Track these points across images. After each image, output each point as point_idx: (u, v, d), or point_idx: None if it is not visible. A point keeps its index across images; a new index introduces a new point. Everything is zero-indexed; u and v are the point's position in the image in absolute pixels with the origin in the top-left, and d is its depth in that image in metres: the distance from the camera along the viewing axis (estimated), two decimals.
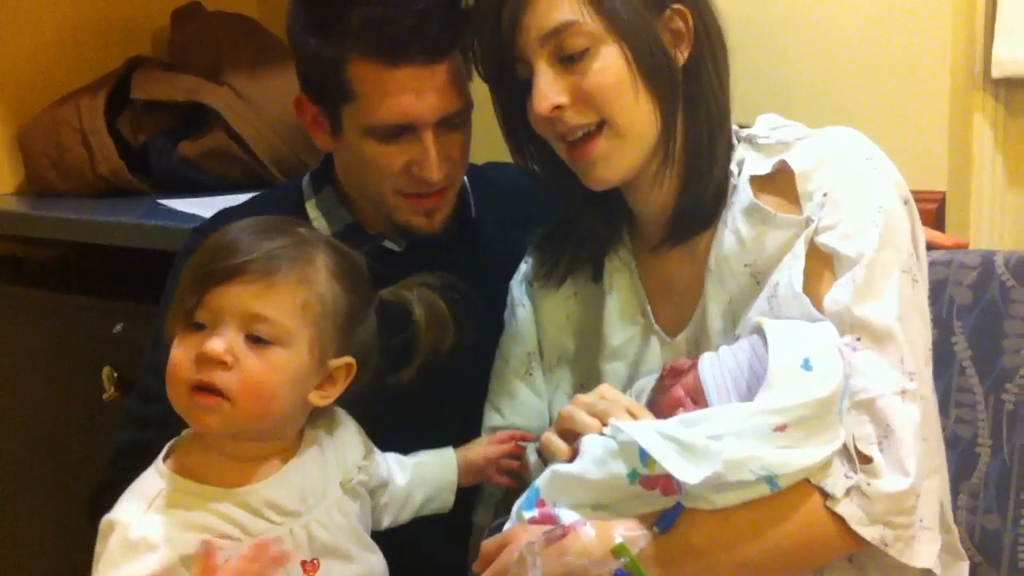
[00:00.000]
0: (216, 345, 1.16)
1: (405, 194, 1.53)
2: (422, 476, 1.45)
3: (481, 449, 1.49)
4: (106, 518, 1.18)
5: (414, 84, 1.44)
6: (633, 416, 1.28)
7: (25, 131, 2.38)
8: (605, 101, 1.32)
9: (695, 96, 1.37)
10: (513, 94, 1.38)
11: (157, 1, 2.53)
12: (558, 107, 1.32)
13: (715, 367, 1.27)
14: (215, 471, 1.22)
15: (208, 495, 1.19)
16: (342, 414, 1.36)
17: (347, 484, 1.31)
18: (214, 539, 1.17)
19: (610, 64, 1.31)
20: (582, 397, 1.35)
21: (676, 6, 1.34)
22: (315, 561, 1.24)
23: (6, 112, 2.41)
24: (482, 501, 1.55)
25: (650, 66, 1.32)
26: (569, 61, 1.31)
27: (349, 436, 1.35)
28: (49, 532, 2.27)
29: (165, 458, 1.24)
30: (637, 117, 1.33)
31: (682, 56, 1.36)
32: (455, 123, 1.50)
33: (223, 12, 2.49)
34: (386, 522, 1.41)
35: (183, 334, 1.20)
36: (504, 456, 1.48)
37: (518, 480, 1.46)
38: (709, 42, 1.37)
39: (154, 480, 1.21)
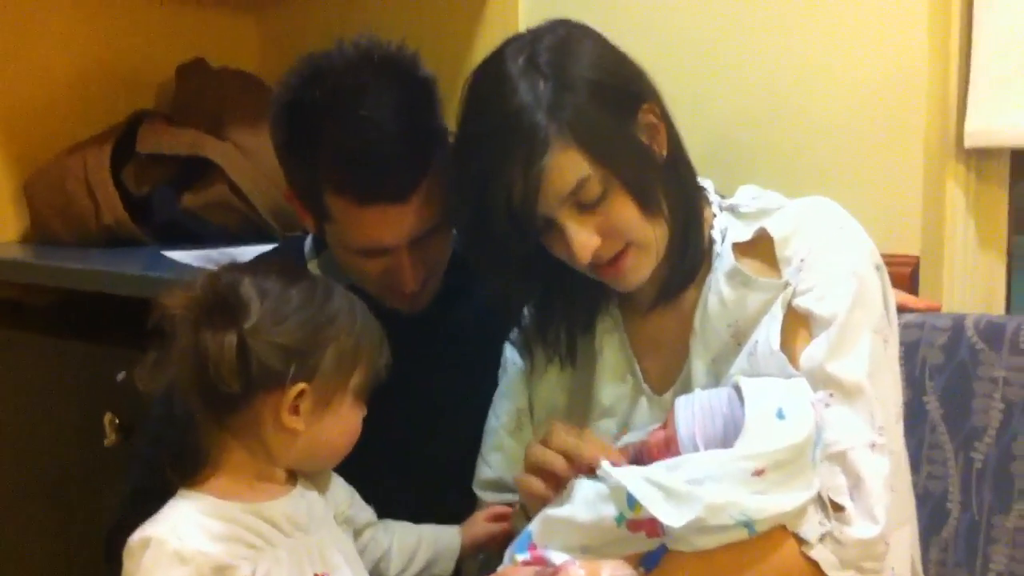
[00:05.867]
0: None
1: (389, 287, 1.55)
2: (427, 538, 1.51)
3: (480, 529, 1.53)
4: (138, 536, 1.24)
5: (384, 218, 1.46)
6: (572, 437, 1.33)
7: (32, 180, 2.40)
8: (629, 229, 1.36)
9: (680, 182, 1.42)
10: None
11: (162, 56, 2.56)
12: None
13: (688, 407, 1.31)
14: (238, 491, 1.30)
15: (235, 509, 1.28)
16: None
17: (340, 517, 1.39)
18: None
19: (621, 198, 1.35)
20: (534, 441, 1.39)
21: (645, 105, 1.38)
22: (326, 573, 1.31)
23: (12, 161, 2.43)
24: None
25: (649, 184, 1.37)
26: (588, 207, 1.34)
27: (330, 475, 1.42)
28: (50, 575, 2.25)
29: (188, 487, 1.31)
30: (655, 230, 1.38)
31: (663, 149, 1.40)
32: (431, 232, 1.51)
33: (226, 68, 2.53)
34: (392, 572, 1.47)
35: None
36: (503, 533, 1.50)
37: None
38: (671, 124, 1.42)
39: (182, 501, 1.29)
